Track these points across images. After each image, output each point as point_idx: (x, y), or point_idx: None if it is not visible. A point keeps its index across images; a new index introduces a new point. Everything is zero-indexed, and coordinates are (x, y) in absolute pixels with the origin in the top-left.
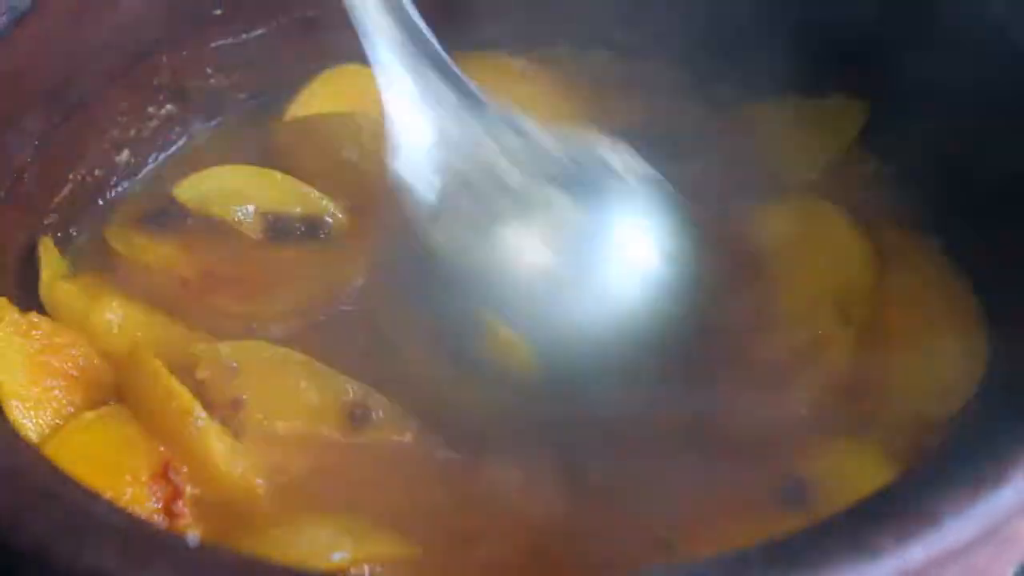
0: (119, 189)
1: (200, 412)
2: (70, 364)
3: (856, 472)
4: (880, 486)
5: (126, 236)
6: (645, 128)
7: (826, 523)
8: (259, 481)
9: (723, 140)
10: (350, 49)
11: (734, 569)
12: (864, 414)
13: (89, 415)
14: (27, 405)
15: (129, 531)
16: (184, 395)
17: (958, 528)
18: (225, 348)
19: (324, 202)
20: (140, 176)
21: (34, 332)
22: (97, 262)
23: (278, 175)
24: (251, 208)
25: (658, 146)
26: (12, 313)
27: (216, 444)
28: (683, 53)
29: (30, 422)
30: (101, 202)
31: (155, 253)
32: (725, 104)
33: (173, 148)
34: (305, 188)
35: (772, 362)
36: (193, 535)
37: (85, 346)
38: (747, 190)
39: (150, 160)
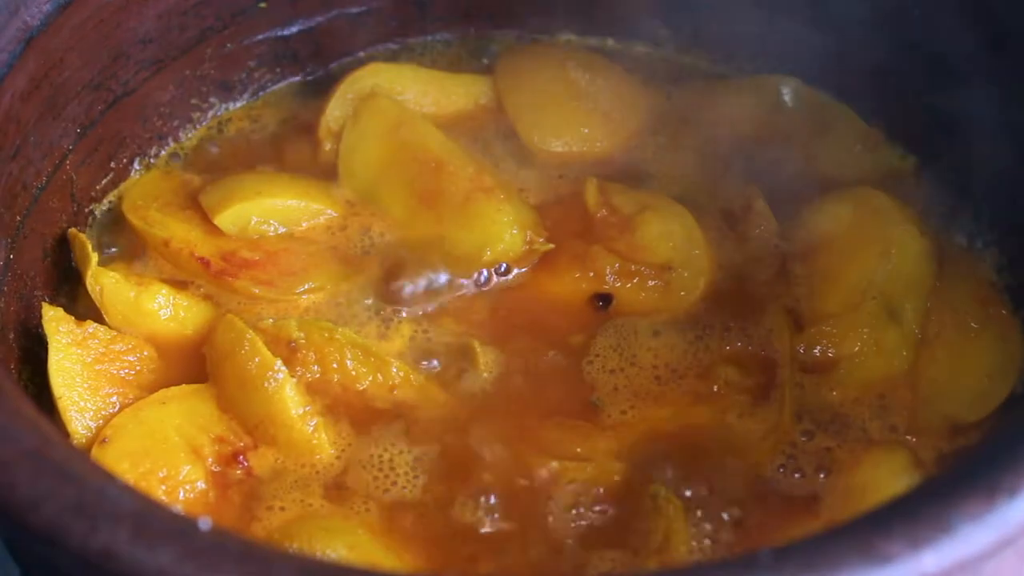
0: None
1: (280, 367)
2: (127, 370)
3: (882, 478)
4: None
5: (143, 211)
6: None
7: (837, 528)
8: (331, 451)
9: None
10: (393, 46)
11: (742, 571)
12: (894, 417)
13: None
14: (87, 417)
15: (141, 514)
16: (266, 352)
17: (972, 537)
18: (292, 324)
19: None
20: (177, 163)
21: (91, 342)
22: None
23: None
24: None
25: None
26: (68, 324)
27: (291, 398)
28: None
29: (88, 432)
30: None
31: (172, 231)
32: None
33: (212, 139)
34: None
35: (812, 359)
36: (205, 519)
37: (140, 348)
38: (805, 185)
39: (189, 149)
